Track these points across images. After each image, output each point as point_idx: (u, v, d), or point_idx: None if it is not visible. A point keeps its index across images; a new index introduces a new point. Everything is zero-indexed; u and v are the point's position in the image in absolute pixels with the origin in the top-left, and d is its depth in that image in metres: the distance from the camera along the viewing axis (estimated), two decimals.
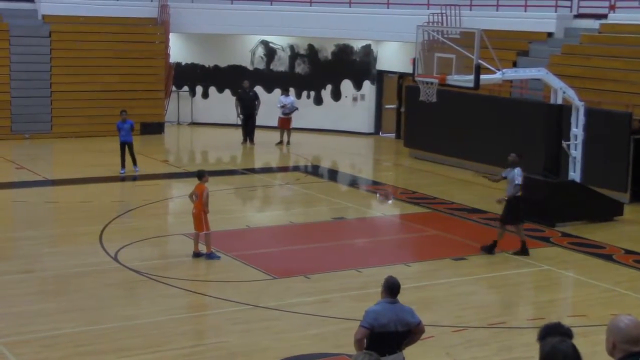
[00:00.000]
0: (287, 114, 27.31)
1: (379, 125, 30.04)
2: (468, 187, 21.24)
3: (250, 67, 30.37)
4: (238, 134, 27.39)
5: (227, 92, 30.27)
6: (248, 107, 27.22)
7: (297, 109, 27.59)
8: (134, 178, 21.65)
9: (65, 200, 19.24)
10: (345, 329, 10.82)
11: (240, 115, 27.38)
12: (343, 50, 29.90)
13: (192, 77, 30.58)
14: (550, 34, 24.95)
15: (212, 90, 30.74)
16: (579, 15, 25.29)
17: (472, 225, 17.61)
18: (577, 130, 17.94)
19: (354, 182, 22.59)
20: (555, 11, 25.28)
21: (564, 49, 23.61)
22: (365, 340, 7.67)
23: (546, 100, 20.31)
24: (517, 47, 24.60)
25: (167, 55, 29.07)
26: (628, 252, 15.75)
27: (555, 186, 17.69)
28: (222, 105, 29.83)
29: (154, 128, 28.10)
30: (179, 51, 30.07)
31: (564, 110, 18.07)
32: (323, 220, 17.98)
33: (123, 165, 21.71)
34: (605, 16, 24.28)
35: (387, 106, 29.75)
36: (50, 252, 15.30)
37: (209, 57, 30.58)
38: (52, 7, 27.73)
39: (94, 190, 19.94)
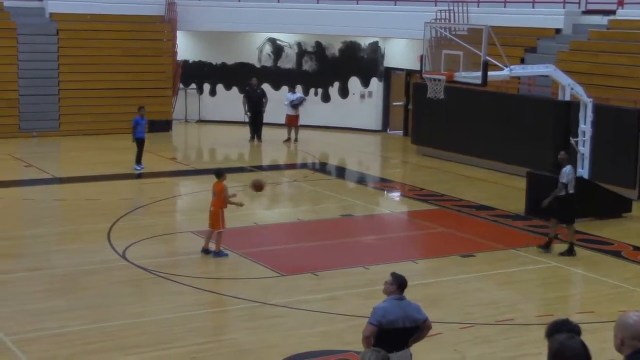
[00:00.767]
0: (295, 105, 27.27)
1: (386, 123, 30.00)
2: (476, 184, 21.21)
3: (257, 65, 30.36)
4: (245, 131, 27.40)
5: (235, 89, 30.27)
6: (255, 105, 27.24)
7: (305, 99, 27.60)
8: (139, 175, 21.68)
9: (73, 198, 19.26)
10: (352, 326, 10.83)
11: (248, 113, 27.39)
12: (350, 48, 29.87)
13: (200, 74, 30.59)
14: (558, 30, 24.87)
15: (220, 87, 30.75)
16: (587, 12, 25.22)
17: (480, 223, 17.57)
18: (585, 126, 17.87)
19: (361, 180, 22.58)
20: (563, 7, 25.23)
21: (572, 45, 23.54)
22: (372, 338, 7.67)
23: (554, 96, 20.27)
24: (525, 43, 24.51)
25: (175, 53, 29.10)
26: (636, 248, 15.70)
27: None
28: (230, 102, 29.82)
29: (162, 126, 28.10)
30: (186, 49, 30.09)
31: (572, 107, 18.01)
32: (331, 217, 17.98)
33: (139, 162, 21.76)
34: (613, 12, 24.20)
35: (394, 103, 29.70)
36: (58, 249, 15.35)
37: (217, 55, 30.58)
38: (59, 5, 27.74)
39: (101, 188, 19.97)
